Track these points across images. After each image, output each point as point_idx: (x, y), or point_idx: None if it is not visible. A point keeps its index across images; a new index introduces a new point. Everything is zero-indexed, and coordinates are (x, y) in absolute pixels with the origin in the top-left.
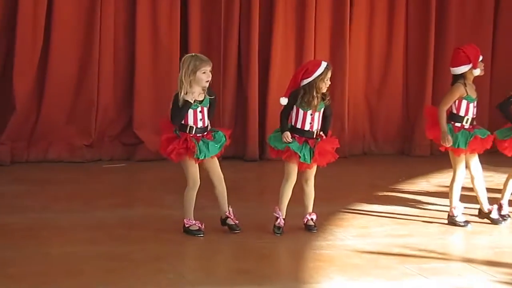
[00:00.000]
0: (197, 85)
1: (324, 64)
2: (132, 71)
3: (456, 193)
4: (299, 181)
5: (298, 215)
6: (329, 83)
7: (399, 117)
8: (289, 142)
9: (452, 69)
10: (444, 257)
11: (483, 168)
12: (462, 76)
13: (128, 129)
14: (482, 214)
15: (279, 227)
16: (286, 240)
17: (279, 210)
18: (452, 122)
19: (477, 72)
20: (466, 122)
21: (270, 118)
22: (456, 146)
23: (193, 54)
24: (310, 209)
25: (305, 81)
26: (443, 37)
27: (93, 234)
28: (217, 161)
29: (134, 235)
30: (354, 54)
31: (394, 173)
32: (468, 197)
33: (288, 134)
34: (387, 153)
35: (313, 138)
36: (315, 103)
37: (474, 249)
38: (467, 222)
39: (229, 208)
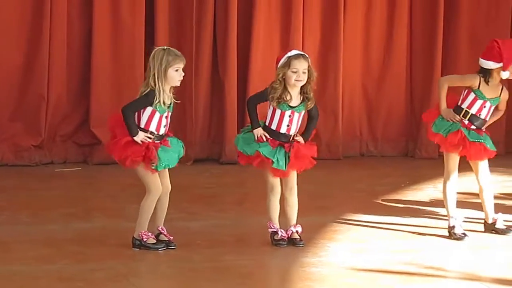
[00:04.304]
0: (167, 84)
1: (290, 53)
2: (89, 58)
3: (451, 200)
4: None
5: (283, 227)
6: (302, 76)
7: (402, 111)
8: (262, 142)
9: (480, 59)
10: (453, 275)
11: (501, 172)
12: (488, 71)
13: (83, 127)
14: (487, 227)
15: (283, 239)
16: (269, 257)
17: (273, 224)
18: None
19: (506, 75)
20: (465, 117)
21: None
22: (437, 131)
23: (165, 47)
24: (294, 220)
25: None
26: (454, 17)
27: (42, 251)
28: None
29: (91, 251)
30: (349, 36)
31: (396, 178)
32: (476, 204)
33: (260, 131)
34: (388, 155)
35: (289, 142)
36: (286, 98)
37: (487, 265)
38: (464, 234)
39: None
